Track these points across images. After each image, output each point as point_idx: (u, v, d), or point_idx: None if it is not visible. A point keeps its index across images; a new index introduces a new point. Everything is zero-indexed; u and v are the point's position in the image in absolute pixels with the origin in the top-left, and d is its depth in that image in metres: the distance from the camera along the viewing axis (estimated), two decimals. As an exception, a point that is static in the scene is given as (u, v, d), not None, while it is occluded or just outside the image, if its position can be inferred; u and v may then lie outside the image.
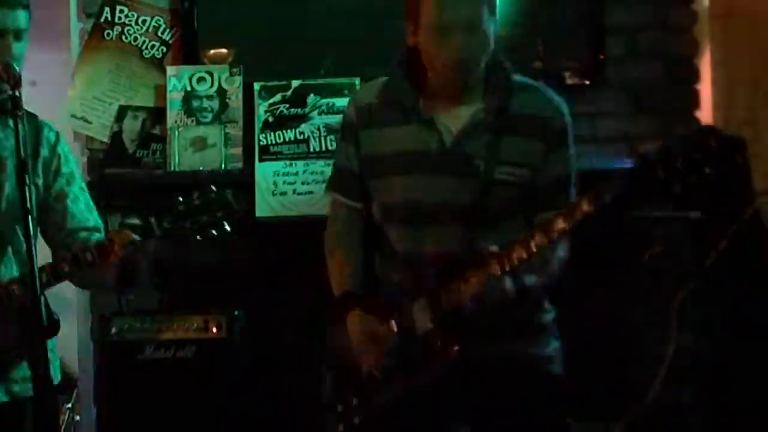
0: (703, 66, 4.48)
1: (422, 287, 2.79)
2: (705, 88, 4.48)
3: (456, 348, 2.71)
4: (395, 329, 2.81)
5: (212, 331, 3.98)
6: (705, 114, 4.45)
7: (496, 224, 2.78)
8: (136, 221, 2.78)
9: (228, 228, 2.73)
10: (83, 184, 3.12)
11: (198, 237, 2.71)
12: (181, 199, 2.71)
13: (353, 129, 2.93)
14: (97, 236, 3.00)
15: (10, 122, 2.62)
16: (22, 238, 2.81)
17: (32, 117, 2.74)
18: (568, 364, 3.04)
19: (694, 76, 4.47)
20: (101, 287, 3.50)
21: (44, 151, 2.98)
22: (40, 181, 2.95)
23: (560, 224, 2.54)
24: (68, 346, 4.28)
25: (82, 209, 3.04)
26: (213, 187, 2.72)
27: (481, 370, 2.79)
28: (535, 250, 2.57)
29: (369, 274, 3.00)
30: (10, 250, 2.89)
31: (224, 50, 4.36)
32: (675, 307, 4.00)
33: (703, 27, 4.47)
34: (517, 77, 2.87)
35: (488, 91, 2.80)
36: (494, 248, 2.61)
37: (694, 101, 4.45)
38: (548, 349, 2.90)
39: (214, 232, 2.71)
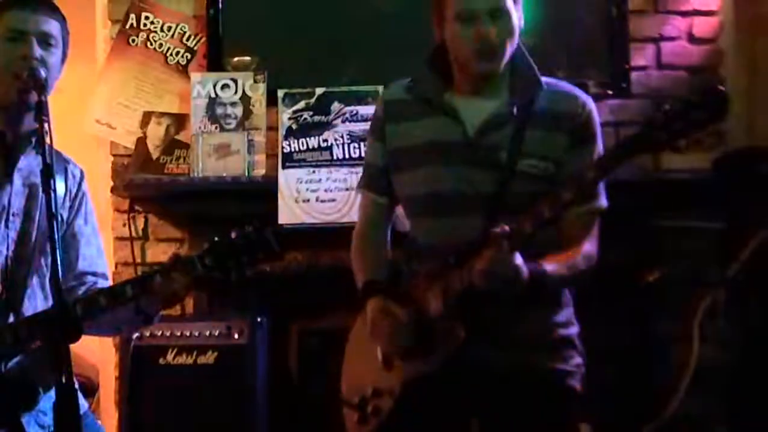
0: (727, 78, 4.45)
1: (441, 274, 2.76)
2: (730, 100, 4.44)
3: (462, 333, 2.70)
4: (411, 314, 2.80)
5: (234, 337, 3.99)
6: (730, 125, 4.38)
7: (518, 216, 2.69)
8: (179, 253, 2.78)
9: (267, 269, 2.74)
10: (96, 226, 3.11)
11: (234, 275, 2.71)
12: (220, 238, 2.71)
13: (380, 124, 2.96)
14: (102, 282, 3.00)
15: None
16: (46, 270, 2.86)
17: (58, 153, 2.74)
18: (594, 373, 3.02)
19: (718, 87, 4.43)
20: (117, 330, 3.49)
21: (71, 185, 2.99)
22: (65, 214, 2.95)
23: (566, 195, 2.56)
24: (90, 351, 4.32)
25: (93, 254, 3.04)
26: (253, 227, 2.71)
27: (504, 377, 2.77)
28: (544, 220, 2.58)
29: (395, 270, 2.99)
30: (35, 281, 2.87)
31: (248, 57, 4.39)
32: (698, 318, 3.98)
33: (728, 37, 4.47)
34: (543, 77, 2.87)
35: (514, 86, 2.82)
36: (505, 228, 2.57)
37: (719, 113, 4.42)
38: (571, 363, 2.86)
39: (250, 272, 2.73)
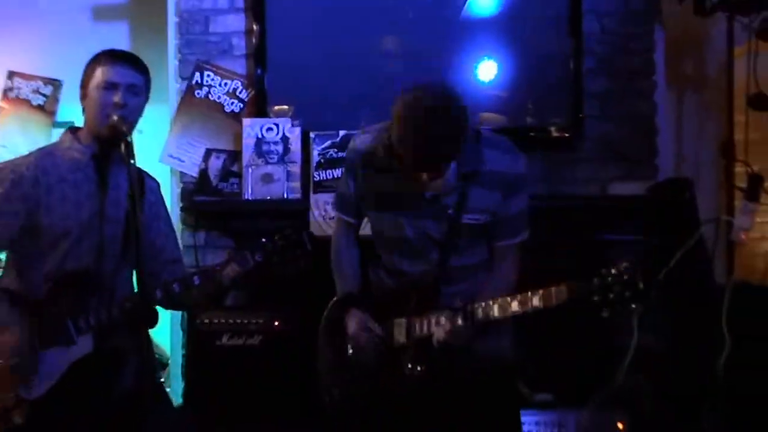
0: (660, 123, 4.47)
1: (403, 307, 2.78)
2: (662, 141, 4.47)
3: (422, 368, 2.71)
4: (384, 333, 2.81)
5: (275, 324, 4.03)
6: (662, 160, 4.45)
7: (463, 251, 2.78)
8: (234, 250, 2.82)
9: (302, 265, 2.78)
10: (172, 224, 3.15)
11: (277, 271, 2.77)
12: (268, 239, 2.75)
13: (354, 167, 2.86)
14: (180, 267, 3.04)
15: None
16: (130, 263, 2.89)
17: (139, 169, 2.78)
18: (554, 355, 3.05)
19: (653, 131, 4.46)
20: (190, 307, 3.52)
21: (150, 197, 3.02)
22: (147, 219, 2.96)
23: (515, 307, 2.53)
24: (163, 333, 4.43)
25: (173, 247, 3.08)
26: (291, 231, 2.76)
27: (456, 372, 2.78)
28: (492, 318, 2.57)
29: (364, 277, 2.99)
30: (123, 271, 2.91)
31: (286, 107, 4.42)
32: (636, 312, 3.97)
33: (661, 92, 4.46)
34: (484, 133, 2.80)
35: (462, 157, 2.66)
36: (460, 303, 2.62)
37: (653, 151, 4.45)
38: (506, 340, 2.87)
39: (290, 269, 2.77)
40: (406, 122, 2.53)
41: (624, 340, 4.03)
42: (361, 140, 2.86)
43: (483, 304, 2.59)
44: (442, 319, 2.64)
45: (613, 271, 2.37)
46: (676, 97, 4.50)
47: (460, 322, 2.60)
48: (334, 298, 3.00)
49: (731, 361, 3.68)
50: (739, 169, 4.01)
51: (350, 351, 2.85)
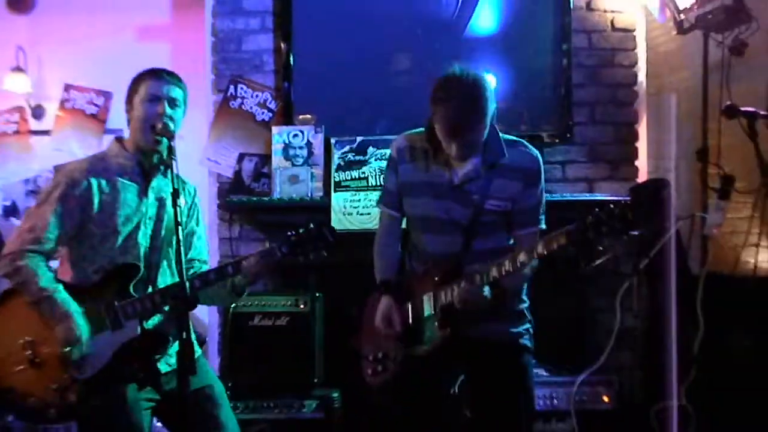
0: (641, 130, 4.55)
1: (430, 283, 2.88)
2: (642, 145, 4.55)
3: (448, 330, 2.81)
4: (408, 314, 2.90)
5: (300, 307, 4.10)
6: (641, 163, 4.53)
7: (485, 236, 2.88)
8: (263, 245, 2.88)
9: (325, 254, 2.84)
10: (205, 226, 3.20)
11: (302, 259, 2.83)
12: (293, 232, 2.80)
13: (395, 162, 3.00)
14: (204, 266, 3.06)
15: (168, 172, 2.79)
16: (171, 256, 2.97)
17: (179, 176, 2.74)
18: (548, 334, 3.12)
19: (635, 136, 4.54)
20: (220, 302, 3.58)
21: (188, 200, 3.08)
22: (184, 219, 3.01)
23: (522, 257, 2.63)
24: (202, 316, 4.54)
25: (201, 246, 3.12)
26: (314, 226, 2.80)
27: (476, 344, 2.89)
28: (504, 272, 2.67)
29: (402, 265, 3.07)
30: (165, 263, 2.97)
31: (310, 116, 4.47)
32: (619, 296, 4.04)
33: (642, 102, 4.54)
34: (506, 136, 2.93)
35: (486, 150, 2.85)
36: (477, 267, 2.73)
37: (634, 154, 4.54)
38: (522, 327, 2.98)
39: (313, 257, 2.83)
40: (445, 81, 2.76)
41: (609, 322, 4.12)
42: (403, 137, 3.02)
43: (495, 264, 2.69)
44: (463, 283, 2.75)
45: (604, 209, 2.44)
46: (655, 105, 4.54)
47: (477, 281, 2.71)
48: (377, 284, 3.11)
49: (705, 343, 3.74)
50: (712, 171, 4.05)
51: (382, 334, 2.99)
